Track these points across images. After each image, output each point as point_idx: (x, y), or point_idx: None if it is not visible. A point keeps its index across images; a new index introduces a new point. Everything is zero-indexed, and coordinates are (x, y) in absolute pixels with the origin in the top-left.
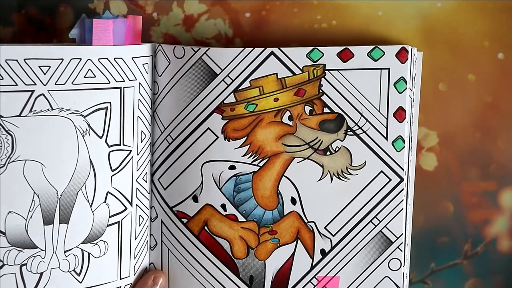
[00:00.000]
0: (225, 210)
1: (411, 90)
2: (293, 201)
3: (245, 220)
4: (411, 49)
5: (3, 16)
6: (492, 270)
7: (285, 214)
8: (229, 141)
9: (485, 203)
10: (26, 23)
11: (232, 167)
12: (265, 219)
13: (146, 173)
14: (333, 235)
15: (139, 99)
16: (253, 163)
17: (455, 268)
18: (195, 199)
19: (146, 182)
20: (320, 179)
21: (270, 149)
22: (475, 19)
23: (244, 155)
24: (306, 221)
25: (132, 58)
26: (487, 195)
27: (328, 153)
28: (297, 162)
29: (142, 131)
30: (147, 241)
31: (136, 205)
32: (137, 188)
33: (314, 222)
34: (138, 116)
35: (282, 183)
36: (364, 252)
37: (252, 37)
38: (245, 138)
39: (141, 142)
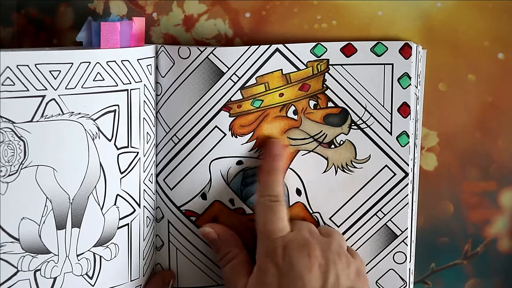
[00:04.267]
0: (233, 204)
1: (416, 88)
2: (298, 192)
3: (252, 212)
4: (416, 46)
5: (3, 16)
6: (492, 270)
7: (290, 205)
8: (236, 137)
9: (485, 203)
10: (26, 23)
11: (239, 162)
12: None
13: (152, 174)
14: (338, 226)
15: (144, 101)
16: (260, 157)
17: (455, 268)
18: (204, 197)
19: (151, 183)
20: (324, 171)
21: None
22: (475, 19)
23: (250, 150)
24: (311, 212)
25: (138, 60)
26: (487, 195)
27: (333, 146)
28: (302, 155)
29: (147, 132)
30: (154, 242)
31: (144, 206)
32: (144, 190)
33: (319, 213)
34: (144, 118)
35: (288, 175)
36: (369, 244)
37: (252, 37)
38: (251, 133)
39: (147, 143)
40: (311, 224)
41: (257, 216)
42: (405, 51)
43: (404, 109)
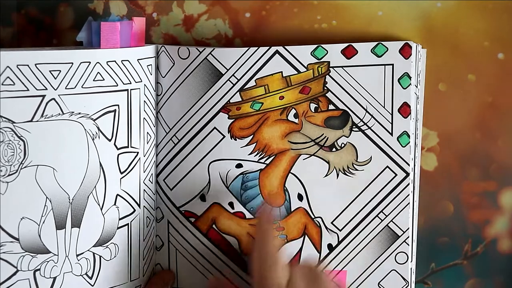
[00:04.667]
0: (232, 208)
1: (416, 87)
2: (300, 197)
3: (252, 217)
4: (416, 45)
5: (3, 16)
6: (492, 270)
7: (292, 210)
8: (235, 140)
9: (485, 203)
10: (26, 23)
11: (239, 166)
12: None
13: (152, 174)
14: (340, 230)
15: (144, 101)
16: (260, 161)
17: (455, 268)
18: (203, 198)
19: (152, 183)
20: (326, 175)
21: (276, 146)
22: (475, 19)
23: (250, 153)
24: (313, 217)
25: (138, 60)
26: (487, 195)
27: (334, 149)
28: (303, 159)
29: (147, 132)
30: (154, 242)
31: (144, 206)
32: (144, 190)
33: (321, 218)
34: (144, 118)
35: (289, 180)
36: (371, 246)
37: (252, 37)
38: (251, 137)
39: (147, 143)
40: (301, 269)
41: (254, 270)
42: (405, 51)
43: (405, 109)
